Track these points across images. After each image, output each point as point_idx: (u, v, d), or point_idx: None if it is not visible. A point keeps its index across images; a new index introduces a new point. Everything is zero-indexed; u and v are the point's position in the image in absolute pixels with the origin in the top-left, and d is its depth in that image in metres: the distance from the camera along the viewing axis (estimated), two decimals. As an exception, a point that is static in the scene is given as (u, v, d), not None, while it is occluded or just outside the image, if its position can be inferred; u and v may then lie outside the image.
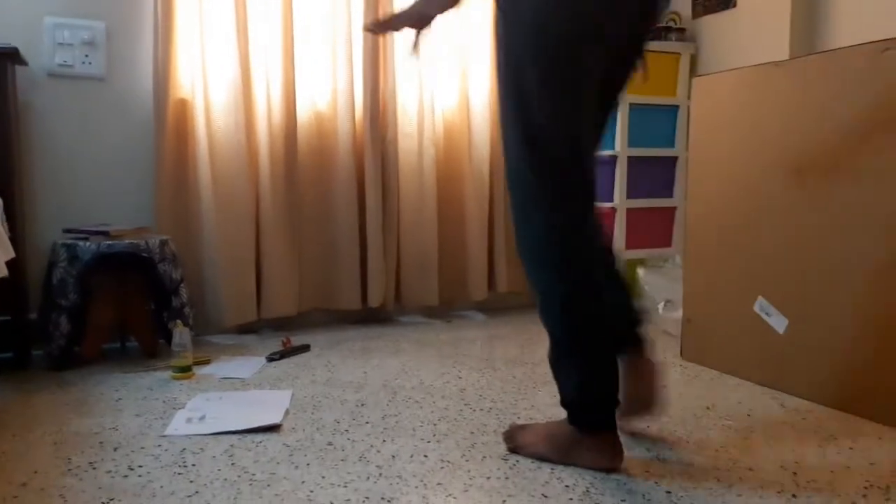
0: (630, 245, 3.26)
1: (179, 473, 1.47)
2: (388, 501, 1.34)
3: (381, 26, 1.60)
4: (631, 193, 3.24)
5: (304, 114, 2.92)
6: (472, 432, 1.70)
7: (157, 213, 2.65)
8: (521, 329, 2.91)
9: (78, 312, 2.28)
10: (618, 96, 1.63)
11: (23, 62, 2.38)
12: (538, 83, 1.41)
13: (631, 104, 3.19)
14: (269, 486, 1.41)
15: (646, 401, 1.63)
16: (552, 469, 1.48)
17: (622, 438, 1.50)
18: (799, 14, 2.82)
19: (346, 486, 1.40)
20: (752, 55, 2.95)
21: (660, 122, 3.32)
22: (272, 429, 1.73)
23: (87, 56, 2.58)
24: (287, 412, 1.85)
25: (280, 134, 2.81)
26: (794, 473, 1.46)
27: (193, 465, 1.51)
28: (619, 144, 3.20)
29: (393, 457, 1.55)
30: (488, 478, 1.44)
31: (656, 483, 1.41)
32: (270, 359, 2.41)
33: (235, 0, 2.66)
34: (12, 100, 2.32)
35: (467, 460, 1.53)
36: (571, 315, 1.44)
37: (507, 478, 1.44)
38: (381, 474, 1.46)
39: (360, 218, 2.96)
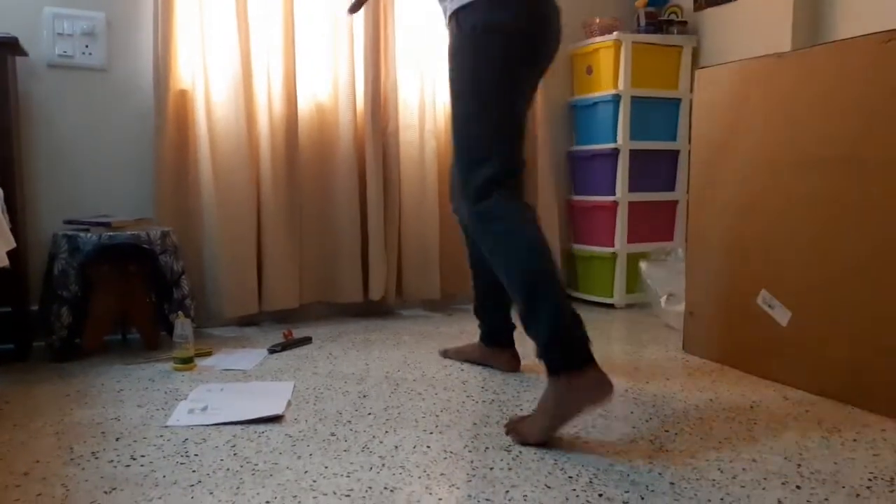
0: (632, 239, 3.25)
1: (182, 463, 1.46)
2: (392, 491, 1.33)
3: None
4: (633, 187, 3.24)
5: (305, 106, 2.91)
6: (475, 423, 1.70)
7: (158, 204, 2.64)
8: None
9: (79, 304, 2.28)
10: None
11: (23, 53, 2.37)
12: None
13: (633, 97, 3.19)
14: (271, 475, 1.40)
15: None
16: (555, 460, 1.48)
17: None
18: (801, 5, 2.82)
19: (348, 476, 1.40)
20: (755, 48, 2.94)
21: (662, 115, 3.31)
22: (274, 419, 1.73)
23: (87, 47, 2.58)
24: (289, 403, 1.85)
25: (281, 126, 2.80)
26: (798, 465, 1.46)
27: (196, 455, 1.51)
28: (621, 138, 3.19)
29: (396, 447, 1.55)
30: (491, 468, 1.44)
31: (660, 474, 1.41)
32: (272, 351, 2.40)
33: (237, -9, 2.66)
34: (12, 90, 2.32)
35: (470, 451, 1.53)
36: (532, 259, 1.61)
37: (510, 468, 1.44)
38: (383, 465, 1.46)
39: (361, 210, 2.96)
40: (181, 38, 2.66)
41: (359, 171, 2.93)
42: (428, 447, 1.55)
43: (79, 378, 2.10)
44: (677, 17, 3.34)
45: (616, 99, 3.19)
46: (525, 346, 2.52)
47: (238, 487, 1.35)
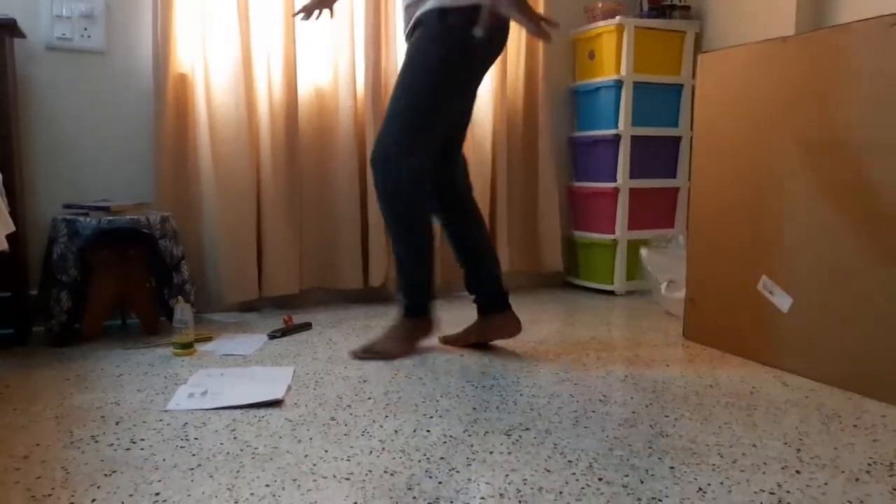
0: (633, 226, 3.24)
1: (182, 447, 1.46)
2: (392, 475, 1.33)
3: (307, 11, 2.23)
4: (634, 173, 3.23)
5: (305, 91, 2.90)
6: (475, 408, 1.70)
7: (157, 189, 2.64)
8: (522, 308, 2.90)
9: (79, 288, 2.27)
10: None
11: (21, 35, 2.36)
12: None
13: (635, 83, 3.17)
14: (271, 459, 1.40)
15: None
16: (555, 444, 1.48)
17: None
18: (805, -10, 2.80)
19: (349, 460, 1.40)
20: (758, 32, 2.92)
21: (664, 101, 3.29)
22: (274, 404, 1.73)
23: (85, 29, 2.56)
24: (289, 388, 1.85)
25: (281, 112, 2.79)
26: (798, 450, 1.46)
27: (196, 438, 1.51)
28: (622, 124, 3.18)
29: (396, 432, 1.55)
30: (491, 452, 1.44)
31: (660, 459, 1.41)
32: (272, 336, 2.40)
33: (236, -26, 2.64)
34: (11, 73, 2.30)
35: (470, 435, 1.53)
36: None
37: (509, 452, 1.44)
38: (383, 448, 1.46)
39: (361, 196, 2.95)
40: (180, 21, 2.64)
41: (359, 157, 2.92)
42: (428, 431, 1.56)
43: (78, 363, 2.10)
44: (680, 1, 3.31)
45: (618, 84, 3.17)
46: (525, 342, 2.51)
47: (238, 471, 1.35)
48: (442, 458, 1.42)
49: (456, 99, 2.06)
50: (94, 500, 1.23)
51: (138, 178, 2.69)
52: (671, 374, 1.99)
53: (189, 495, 1.25)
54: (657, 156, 3.30)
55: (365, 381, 1.92)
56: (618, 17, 3.14)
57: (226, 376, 1.95)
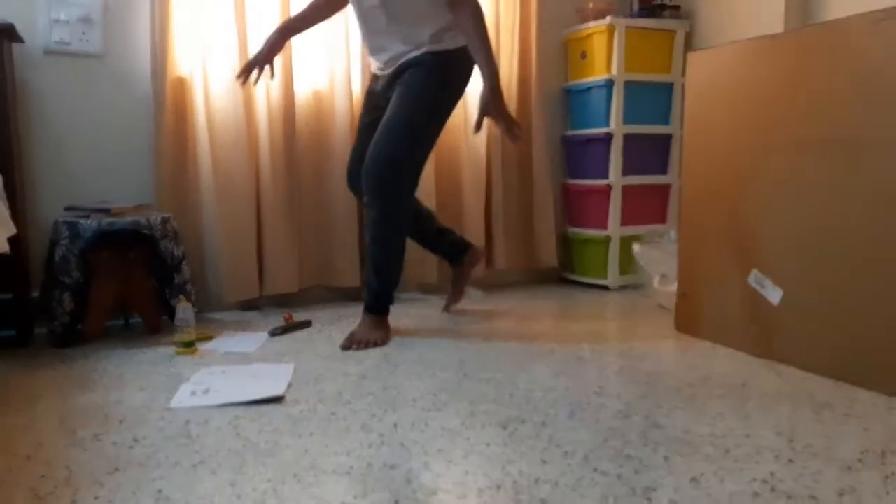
0: (626, 222, 3.28)
1: (184, 444, 1.49)
2: (391, 468, 1.36)
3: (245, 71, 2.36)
4: (626, 171, 3.26)
5: (301, 94, 2.92)
6: (472, 402, 1.73)
7: (157, 191, 2.66)
8: (519, 305, 2.93)
9: (80, 290, 2.29)
10: None
11: (19, 39, 2.38)
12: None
13: (626, 82, 3.20)
14: (273, 455, 1.43)
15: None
16: (551, 436, 1.51)
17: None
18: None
19: (349, 455, 1.43)
20: (748, 30, 2.95)
21: (655, 99, 3.32)
22: (275, 400, 1.75)
23: (83, 33, 2.58)
24: (290, 385, 1.88)
25: (279, 114, 2.81)
26: (790, 440, 1.48)
27: (198, 435, 1.53)
28: (613, 122, 3.20)
29: (395, 426, 1.58)
30: (488, 444, 1.47)
31: (653, 449, 1.44)
32: (273, 334, 2.43)
33: (232, -23, 2.66)
34: (10, 77, 2.33)
35: (467, 428, 1.56)
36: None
37: (506, 444, 1.47)
38: (383, 442, 1.49)
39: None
40: (178, 26, 2.66)
41: (355, 157, 2.95)
42: (426, 425, 1.58)
43: (80, 363, 2.12)
44: (670, 1, 3.34)
45: (609, 84, 3.20)
46: (521, 336, 2.54)
47: (240, 467, 1.38)
48: (440, 450, 1.44)
49: (442, 125, 2.35)
50: (97, 498, 1.25)
51: (138, 180, 2.71)
52: (664, 366, 2.02)
53: (192, 492, 1.27)
54: (649, 153, 3.33)
55: (364, 377, 1.95)
56: (608, 18, 3.17)
57: (227, 374, 1.97)
